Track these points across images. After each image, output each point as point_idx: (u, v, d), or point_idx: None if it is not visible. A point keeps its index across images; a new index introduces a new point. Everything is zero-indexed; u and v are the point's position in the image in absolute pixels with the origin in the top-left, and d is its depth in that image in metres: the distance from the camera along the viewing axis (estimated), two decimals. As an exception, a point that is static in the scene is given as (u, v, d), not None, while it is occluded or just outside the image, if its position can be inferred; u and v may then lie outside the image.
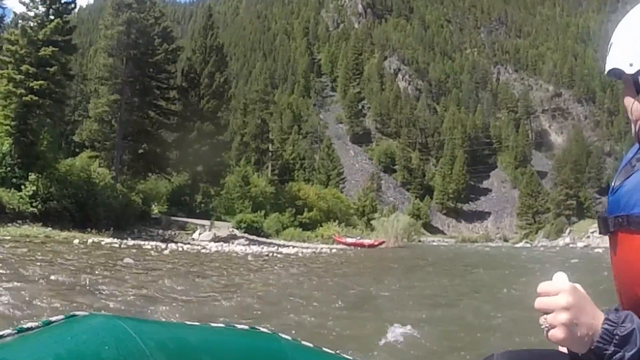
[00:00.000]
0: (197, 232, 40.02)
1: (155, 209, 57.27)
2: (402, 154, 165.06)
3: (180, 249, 28.23)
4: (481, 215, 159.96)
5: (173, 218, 48.01)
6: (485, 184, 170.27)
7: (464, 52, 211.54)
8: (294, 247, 41.87)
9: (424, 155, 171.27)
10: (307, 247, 43.58)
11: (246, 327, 2.20)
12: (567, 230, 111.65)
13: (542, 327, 1.37)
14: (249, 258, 25.42)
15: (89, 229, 31.25)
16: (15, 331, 1.62)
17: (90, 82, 64.06)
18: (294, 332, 6.14)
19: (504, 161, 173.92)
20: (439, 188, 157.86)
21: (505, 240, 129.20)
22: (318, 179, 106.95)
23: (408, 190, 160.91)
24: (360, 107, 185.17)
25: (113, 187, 39.06)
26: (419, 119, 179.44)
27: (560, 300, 1.33)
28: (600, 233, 1.64)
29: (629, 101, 1.64)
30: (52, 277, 13.22)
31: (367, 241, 58.52)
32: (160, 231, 40.15)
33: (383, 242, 59.11)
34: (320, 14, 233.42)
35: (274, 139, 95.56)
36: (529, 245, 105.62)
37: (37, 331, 1.64)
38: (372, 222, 75.67)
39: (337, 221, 68.09)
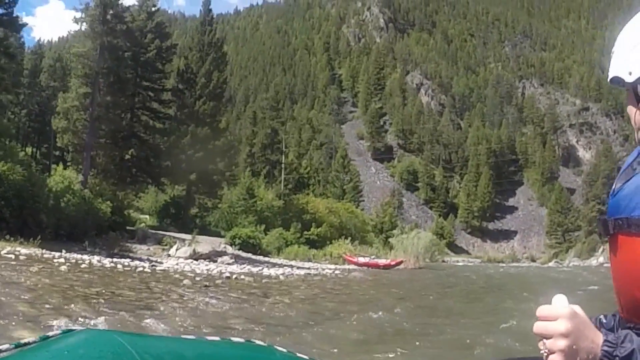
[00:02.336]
0: (174, 247, 34.05)
1: (146, 221, 52.08)
2: (425, 171, 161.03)
3: (113, 265, 22.38)
4: (507, 234, 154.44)
5: (152, 231, 42.15)
6: (512, 201, 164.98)
7: (488, 66, 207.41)
8: (289, 267, 35.91)
9: (447, 172, 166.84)
10: (306, 268, 37.33)
11: (242, 340, 2.19)
12: (600, 249, 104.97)
13: (540, 351, 1.38)
14: (185, 282, 18.83)
15: (10, 237, 25.09)
16: (13, 346, 1.64)
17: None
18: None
19: (530, 178, 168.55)
20: (464, 206, 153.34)
21: (533, 260, 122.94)
22: (332, 192, 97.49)
23: (431, 208, 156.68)
24: (381, 122, 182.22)
25: (75, 193, 32.89)
26: (442, 134, 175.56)
27: (559, 327, 1.34)
28: (599, 236, 1.70)
29: (631, 110, 1.67)
30: None
31: (382, 261, 51.99)
32: (132, 245, 34.18)
33: (401, 262, 52.70)
34: (341, 30, 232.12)
35: (289, 151, 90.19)
36: (560, 265, 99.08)
37: (35, 346, 1.66)
38: (390, 240, 68.91)
39: (350, 238, 61.16)
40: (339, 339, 11.53)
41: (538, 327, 1.36)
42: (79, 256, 24.15)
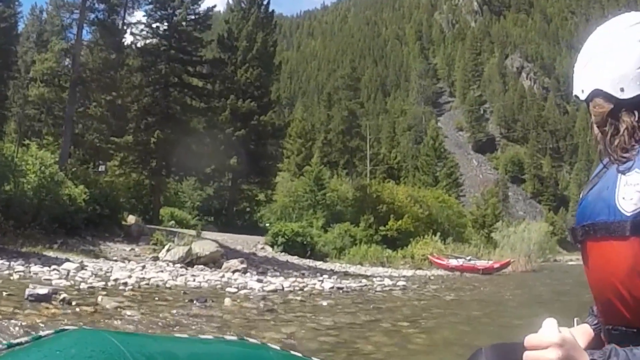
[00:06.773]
0: (165, 248, 23.58)
1: (190, 220, 42.52)
2: (531, 161, 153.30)
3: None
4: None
5: (156, 227, 31.23)
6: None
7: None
8: (328, 274, 23.89)
9: (556, 162, 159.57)
10: (357, 276, 25.15)
11: (235, 337, 2.24)
12: None
13: None
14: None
15: None
16: (5, 346, 1.66)
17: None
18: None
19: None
20: (575, 198, 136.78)
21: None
22: (423, 181, 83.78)
23: (539, 202, 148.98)
24: (481, 111, 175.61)
25: (36, 174, 22.95)
26: (548, 120, 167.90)
27: (551, 356, 1.33)
28: (572, 243, 1.73)
29: (591, 125, 1.73)
30: None
31: (481, 263, 39.63)
32: (110, 245, 23.94)
33: (508, 263, 40.44)
34: (433, 17, 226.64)
35: (373, 139, 79.22)
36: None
37: (27, 346, 1.68)
38: (492, 235, 55.84)
39: (439, 234, 48.53)
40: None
41: (529, 357, 1.35)
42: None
